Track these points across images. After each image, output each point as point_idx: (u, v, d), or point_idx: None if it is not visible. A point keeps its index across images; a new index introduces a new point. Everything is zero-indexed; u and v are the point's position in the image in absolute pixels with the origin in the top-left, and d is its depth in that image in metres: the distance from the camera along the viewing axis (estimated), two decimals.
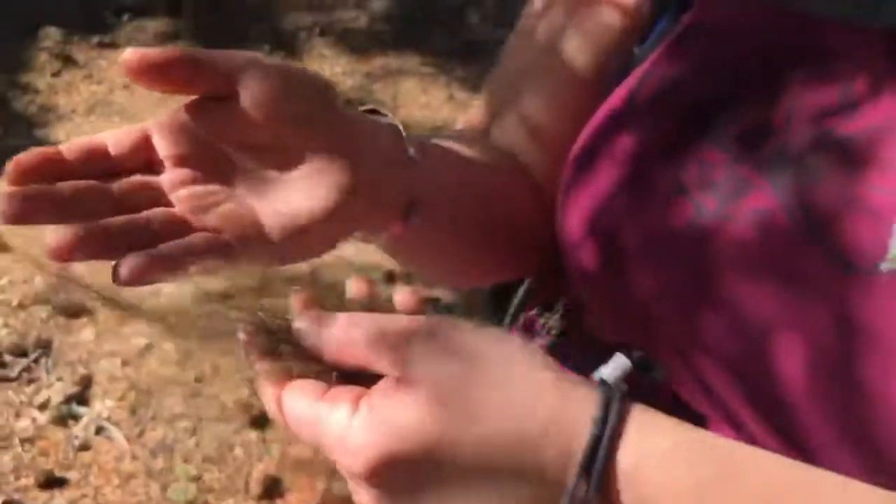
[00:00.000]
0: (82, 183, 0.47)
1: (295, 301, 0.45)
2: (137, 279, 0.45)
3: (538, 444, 0.39)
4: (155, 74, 0.46)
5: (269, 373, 0.43)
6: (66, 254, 0.45)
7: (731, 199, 0.46)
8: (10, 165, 0.46)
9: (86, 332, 2.13)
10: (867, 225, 0.42)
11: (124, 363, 2.05)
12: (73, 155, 0.48)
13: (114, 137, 0.49)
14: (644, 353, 0.46)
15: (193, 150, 0.49)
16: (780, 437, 0.45)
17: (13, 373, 2.02)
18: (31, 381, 2.01)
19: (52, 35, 3.21)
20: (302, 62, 3.19)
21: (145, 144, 0.50)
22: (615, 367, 0.43)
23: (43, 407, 1.95)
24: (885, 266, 0.40)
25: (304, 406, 0.42)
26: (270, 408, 0.44)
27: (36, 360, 2.05)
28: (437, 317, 0.42)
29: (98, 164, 0.48)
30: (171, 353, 2.07)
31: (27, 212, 0.44)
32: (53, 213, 0.45)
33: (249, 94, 0.46)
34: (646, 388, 0.46)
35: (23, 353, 2.06)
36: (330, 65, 3.24)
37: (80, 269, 2.33)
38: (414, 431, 0.39)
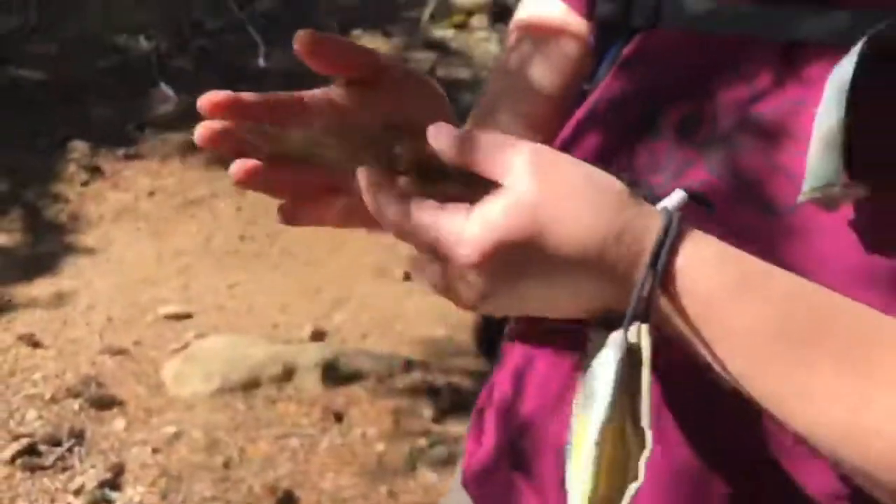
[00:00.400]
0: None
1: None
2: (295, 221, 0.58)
3: (614, 244, 0.49)
4: (323, 50, 0.56)
5: (386, 191, 0.52)
6: (247, 177, 0.55)
7: (675, 177, 0.58)
8: (202, 102, 0.55)
9: (117, 422, 2.25)
10: (785, 181, 0.55)
11: (154, 450, 2.16)
12: (252, 100, 0.56)
13: (278, 96, 0.57)
14: (697, 188, 0.56)
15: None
16: None
17: (48, 461, 2.13)
18: (65, 469, 2.12)
19: (80, 148, 3.41)
20: None
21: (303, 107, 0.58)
22: (675, 197, 0.53)
23: (77, 493, 2.06)
24: (800, 200, 0.52)
25: (427, 214, 0.51)
26: (391, 225, 0.53)
27: (70, 450, 2.16)
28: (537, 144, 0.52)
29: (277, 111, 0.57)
30: (199, 440, 2.19)
31: (224, 137, 0.54)
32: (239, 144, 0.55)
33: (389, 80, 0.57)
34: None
35: (57, 443, 2.18)
36: None
37: (109, 364, 2.46)
38: (517, 224, 0.49)
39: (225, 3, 4.18)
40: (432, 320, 2.67)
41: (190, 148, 3.47)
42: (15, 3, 4.13)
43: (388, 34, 4.17)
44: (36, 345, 2.51)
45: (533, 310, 0.54)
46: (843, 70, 0.52)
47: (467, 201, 0.51)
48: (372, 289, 2.83)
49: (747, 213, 0.55)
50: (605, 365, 0.50)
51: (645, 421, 0.49)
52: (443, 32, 4.37)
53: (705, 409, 0.57)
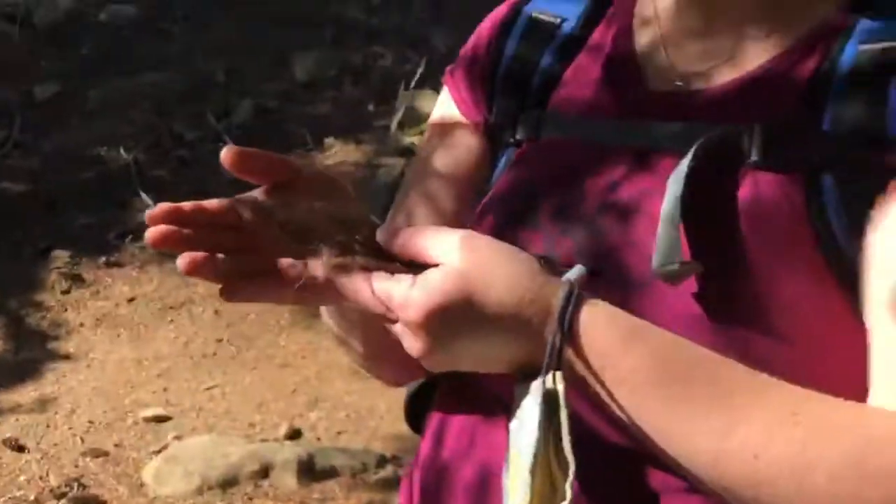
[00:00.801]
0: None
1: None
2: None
3: (529, 305, 0.62)
4: (248, 164, 0.67)
5: (346, 269, 0.64)
6: (194, 268, 0.65)
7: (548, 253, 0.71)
8: (149, 216, 0.65)
9: None
10: (638, 256, 0.68)
11: None
12: (189, 209, 0.66)
13: (211, 202, 0.68)
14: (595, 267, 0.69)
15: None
16: None
17: None
18: None
19: (61, 257, 3.53)
20: None
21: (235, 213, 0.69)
22: (576, 270, 0.66)
23: None
24: (651, 276, 0.66)
25: (379, 284, 0.64)
26: (351, 294, 0.64)
27: None
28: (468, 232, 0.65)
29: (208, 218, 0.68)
30: None
31: (168, 237, 0.65)
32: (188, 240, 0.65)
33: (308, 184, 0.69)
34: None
35: None
36: None
37: (91, 466, 2.54)
38: (452, 289, 0.62)
39: (203, 115, 4.35)
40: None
41: (168, 255, 3.58)
42: (2, 121, 4.29)
43: (359, 142, 4.35)
44: (20, 448, 2.59)
45: (467, 364, 0.66)
46: (681, 168, 0.67)
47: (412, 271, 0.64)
48: (345, 387, 2.93)
49: (611, 285, 0.69)
50: (529, 408, 0.63)
51: (567, 448, 0.61)
52: (411, 139, 4.56)
53: (598, 452, 0.69)
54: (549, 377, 0.62)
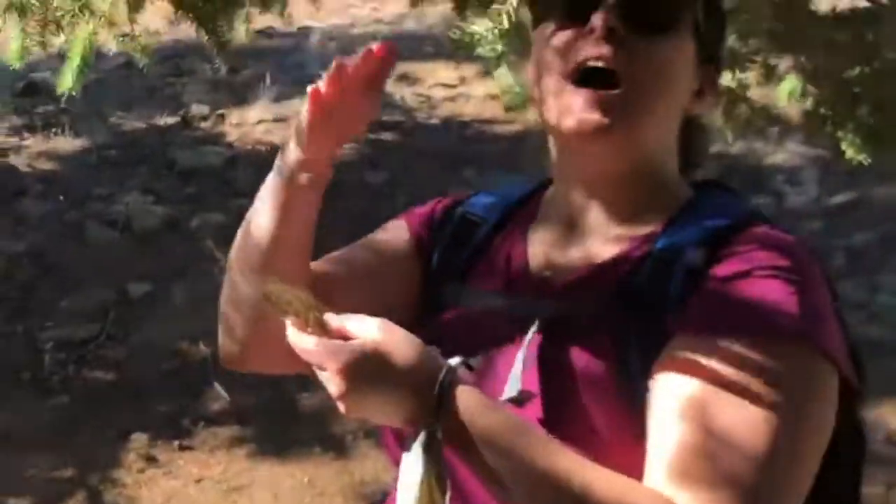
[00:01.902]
0: None
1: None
2: None
3: (422, 375, 0.89)
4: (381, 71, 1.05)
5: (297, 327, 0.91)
6: None
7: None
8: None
9: None
10: (499, 384, 1.00)
11: None
12: None
13: None
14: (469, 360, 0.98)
15: None
16: None
17: None
18: None
19: (139, 440, 3.86)
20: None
21: None
22: (454, 360, 0.93)
23: None
24: (502, 398, 0.97)
25: (322, 343, 0.90)
26: (299, 345, 0.91)
27: None
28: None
29: None
30: None
31: None
32: None
33: None
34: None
35: None
36: None
37: None
38: (369, 353, 0.89)
39: None
40: None
41: (236, 441, 3.89)
42: (96, 314, 4.74)
43: None
44: None
45: (373, 412, 0.93)
46: (532, 330, 1.01)
47: None
48: None
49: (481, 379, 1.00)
50: (416, 453, 0.90)
51: (444, 478, 0.89)
52: None
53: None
54: (431, 428, 0.89)
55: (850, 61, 2.05)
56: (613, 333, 0.98)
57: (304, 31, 7.27)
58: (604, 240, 1.08)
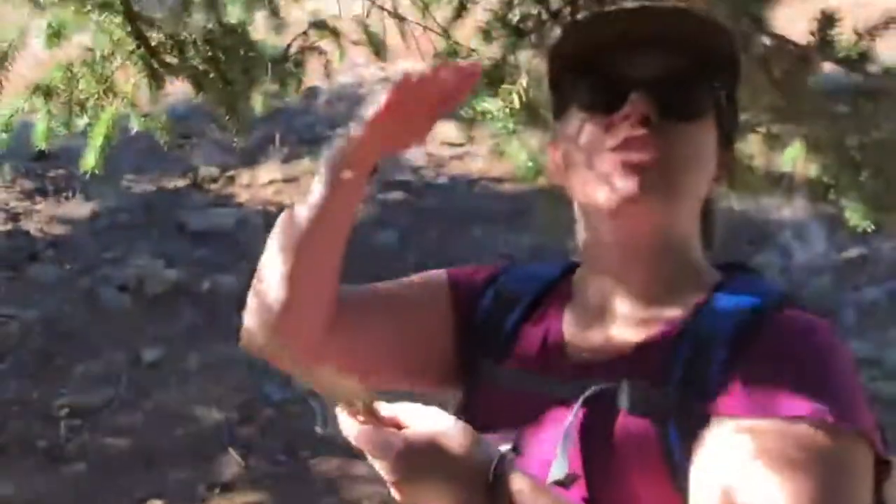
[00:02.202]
0: None
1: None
2: None
3: (475, 463, 0.91)
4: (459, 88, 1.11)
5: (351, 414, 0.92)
6: None
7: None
8: None
9: None
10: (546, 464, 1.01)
11: None
12: None
13: None
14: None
15: None
16: None
17: None
18: None
19: None
20: None
21: None
22: (505, 447, 0.96)
23: None
24: (549, 481, 0.98)
25: (376, 433, 0.91)
26: (349, 431, 0.92)
27: None
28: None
29: None
30: None
31: None
32: None
33: None
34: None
35: None
36: None
37: None
38: (421, 444, 0.90)
39: (289, 377, 4.78)
40: None
41: None
42: (110, 380, 4.78)
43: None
44: None
45: (427, 502, 0.94)
46: (574, 411, 1.03)
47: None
48: None
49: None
50: None
51: None
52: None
53: None
54: None
55: (850, 131, 2.11)
56: (654, 415, 1.01)
57: (312, 92, 7.39)
58: (637, 321, 1.10)
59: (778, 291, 1.09)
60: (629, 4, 1.13)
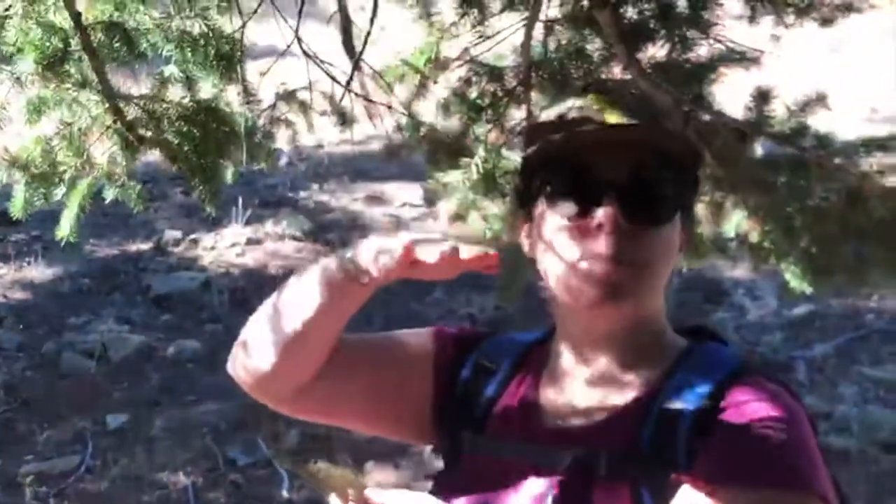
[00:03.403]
0: None
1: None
2: None
3: None
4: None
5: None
6: None
7: None
8: None
9: None
10: None
11: None
12: None
13: None
14: None
15: None
16: None
17: None
18: None
19: None
20: None
21: None
22: None
23: None
24: None
25: None
26: None
27: None
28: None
29: None
30: None
31: None
32: None
33: None
34: None
35: None
36: None
37: None
38: None
39: (255, 442, 4.81)
40: None
41: None
42: (76, 447, 4.77)
43: (397, 466, 4.73)
44: None
45: None
46: (552, 480, 1.11)
47: None
48: None
49: None
50: None
51: None
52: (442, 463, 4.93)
53: None
54: None
55: (788, 199, 2.25)
56: (629, 481, 1.08)
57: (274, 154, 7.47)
58: (610, 388, 1.17)
59: (738, 361, 1.17)
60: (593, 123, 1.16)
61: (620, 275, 1.11)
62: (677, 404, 1.11)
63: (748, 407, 1.08)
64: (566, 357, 1.22)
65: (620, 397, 1.16)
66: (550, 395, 1.21)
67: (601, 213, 1.11)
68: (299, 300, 1.21)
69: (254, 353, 1.25)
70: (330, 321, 1.21)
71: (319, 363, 1.25)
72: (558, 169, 1.15)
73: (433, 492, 1.21)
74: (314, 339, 1.23)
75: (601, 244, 1.11)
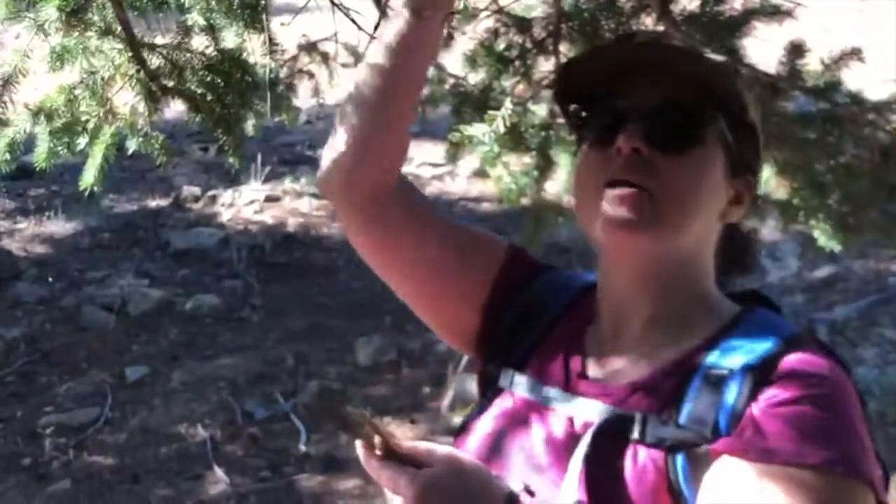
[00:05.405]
0: None
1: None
2: None
3: (486, 497, 0.98)
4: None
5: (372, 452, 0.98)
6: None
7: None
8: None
9: None
10: (554, 488, 1.07)
11: None
12: None
13: None
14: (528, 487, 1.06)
15: None
16: None
17: None
18: None
19: None
20: None
21: None
22: (517, 484, 1.04)
23: None
24: None
25: (394, 469, 0.98)
26: (371, 467, 0.99)
27: None
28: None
29: None
30: None
31: None
32: None
33: None
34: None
35: None
36: None
37: None
38: (440, 477, 0.97)
39: (272, 395, 4.84)
40: None
41: None
42: (95, 399, 4.81)
43: (414, 421, 4.76)
44: None
45: None
46: (587, 437, 1.07)
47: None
48: None
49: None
50: None
51: None
52: (459, 418, 4.95)
53: None
54: None
55: (818, 156, 2.21)
56: (664, 446, 1.03)
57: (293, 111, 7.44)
58: (649, 349, 1.13)
59: (791, 330, 1.11)
60: (633, 37, 1.17)
61: (635, 201, 1.08)
62: (723, 371, 1.06)
63: (798, 380, 1.03)
64: (606, 313, 1.19)
65: (661, 358, 1.12)
66: (593, 347, 1.18)
67: (621, 139, 1.09)
68: (373, 60, 1.21)
69: (339, 137, 1.25)
70: (406, 67, 1.20)
71: (402, 130, 1.25)
72: (587, 98, 1.14)
73: (465, 421, 1.22)
74: (397, 91, 1.22)
75: (616, 168, 1.10)
